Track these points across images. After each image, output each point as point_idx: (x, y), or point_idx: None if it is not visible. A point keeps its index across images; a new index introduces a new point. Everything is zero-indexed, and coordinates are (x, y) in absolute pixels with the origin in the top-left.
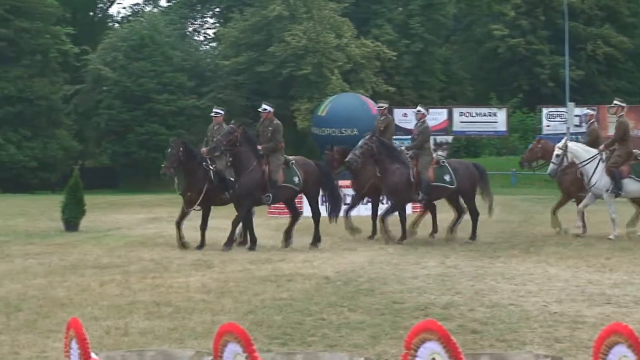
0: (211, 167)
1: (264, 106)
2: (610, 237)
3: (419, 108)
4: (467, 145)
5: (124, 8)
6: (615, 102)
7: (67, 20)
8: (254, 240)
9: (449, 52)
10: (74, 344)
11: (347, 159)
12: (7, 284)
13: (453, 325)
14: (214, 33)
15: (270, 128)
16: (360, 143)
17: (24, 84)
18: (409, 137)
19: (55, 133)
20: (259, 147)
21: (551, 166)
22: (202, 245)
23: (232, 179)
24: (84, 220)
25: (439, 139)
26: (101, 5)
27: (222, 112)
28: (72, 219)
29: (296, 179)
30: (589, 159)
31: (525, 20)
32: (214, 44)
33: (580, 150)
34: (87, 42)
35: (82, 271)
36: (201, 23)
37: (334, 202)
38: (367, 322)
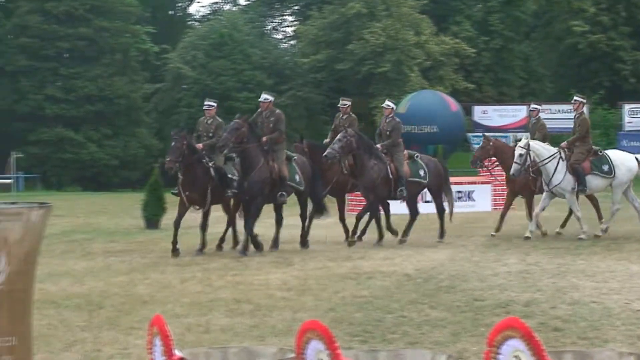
0: (210, 164)
1: (265, 95)
2: (582, 236)
3: (387, 103)
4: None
5: (204, 7)
6: (575, 98)
7: (147, 19)
8: (257, 245)
9: (528, 49)
10: (157, 341)
11: (325, 154)
12: (89, 282)
13: (534, 322)
14: (293, 31)
15: (272, 118)
16: (339, 136)
17: (105, 83)
18: (489, 134)
19: (135, 131)
20: (264, 138)
21: (514, 166)
22: (202, 247)
23: (231, 175)
24: (165, 217)
25: (519, 135)
26: (181, 4)
27: (215, 104)
28: (152, 216)
29: (297, 177)
30: (549, 157)
31: (606, 17)
32: (293, 42)
33: (541, 149)
34: (166, 41)
35: (163, 268)
36: (280, 21)
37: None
38: (447, 320)
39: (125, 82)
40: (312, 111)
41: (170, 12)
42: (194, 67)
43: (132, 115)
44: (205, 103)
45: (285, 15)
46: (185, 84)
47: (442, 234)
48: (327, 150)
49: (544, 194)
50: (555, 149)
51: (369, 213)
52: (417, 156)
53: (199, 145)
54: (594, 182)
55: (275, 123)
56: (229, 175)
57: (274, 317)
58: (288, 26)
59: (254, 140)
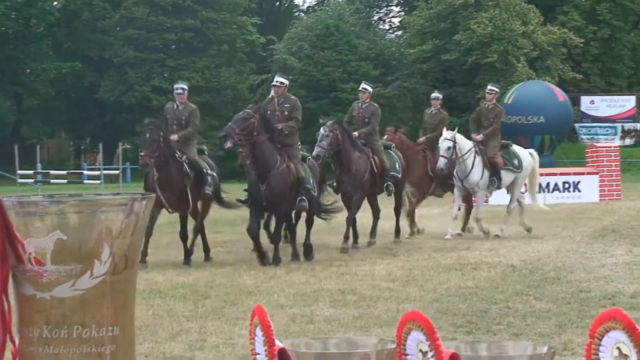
0: (183, 158)
1: (279, 79)
2: (497, 233)
3: (364, 86)
4: None
5: None
6: (491, 87)
7: (254, 10)
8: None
9: (637, 39)
10: (259, 331)
11: (314, 153)
12: (195, 272)
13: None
14: (399, 21)
15: (286, 105)
16: (324, 132)
17: (211, 74)
18: (597, 124)
19: None
20: (279, 126)
21: (441, 160)
22: (188, 257)
23: (206, 170)
24: None
25: (627, 126)
26: None
27: (187, 87)
28: None
29: (311, 182)
30: (467, 151)
31: None
32: (399, 33)
33: (464, 142)
34: (273, 32)
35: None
36: (386, 12)
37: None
38: (553, 311)
39: (231, 73)
40: (418, 102)
41: (276, 3)
42: (300, 58)
43: (239, 106)
44: (176, 86)
45: (392, 5)
46: (291, 75)
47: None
48: (316, 150)
49: (457, 192)
50: (471, 143)
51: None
52: (511, 146)
53: (174, 137)
54: (506, 177)
55: (290, 111)
56: (204, 170)
57: (379, 307)
58: (394, 17)
59: (266, 132)
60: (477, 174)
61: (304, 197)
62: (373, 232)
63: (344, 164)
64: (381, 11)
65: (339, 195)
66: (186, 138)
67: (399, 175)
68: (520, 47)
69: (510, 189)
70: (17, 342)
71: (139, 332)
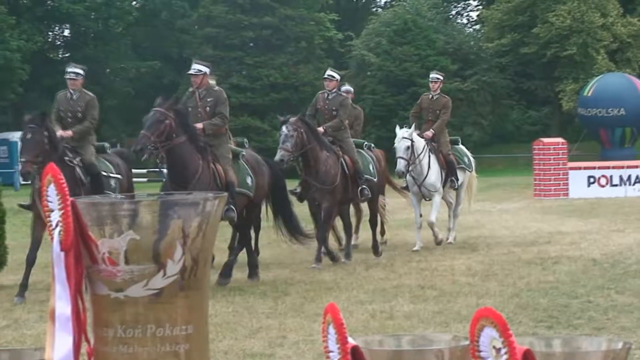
0: (75, 161)
1: (196, 66)
2: (450, 241)
3: (330, 73)
4: None
5: None
6: (434, 75)
7: (331, 6)
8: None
9: None
10: (331, 329)
11: (278, 158)
12: (275, 269)
13: None
14: (477, 15)
15: (209, 99)
16: (287, 131)
17: (289, 71)
18: None
19: None
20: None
21: (401, 162)
22: None
23: (106, 173)
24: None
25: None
26: None
27: (83, 72)
28: None
29: (249, 181)
30: (422, 150)
31: None
32: (477, 27)
33: (419, 141)
34: (350, 28)
35: None
36: (464, 6)
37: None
38: (634, 305)
39: (310, 70)
40: (497, 96)
41: (354, 0)
42: (378, 53)
43: None
44: (69, 70)
45: None
46: (370, 70)
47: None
48: (279, 153)
49: (413, 197)
50: (423, 141)
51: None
52: (458, 142)
53: (68, 133)
54: (460, 177)
55: (214, 105)
56: (104, 173)
57: (459, 303)
58: (472, 11)
59: (185, 132)
60: (435, 174)
61: (231, 206)
62: (347, 251)
63: (310, 165)
64: (459, 5)
65: (305, 203)
66: (83, 134)
67: (375, 179)
68: (599, 39)
69: (458, 190)
70: (92, 342)
71: (219, 329)
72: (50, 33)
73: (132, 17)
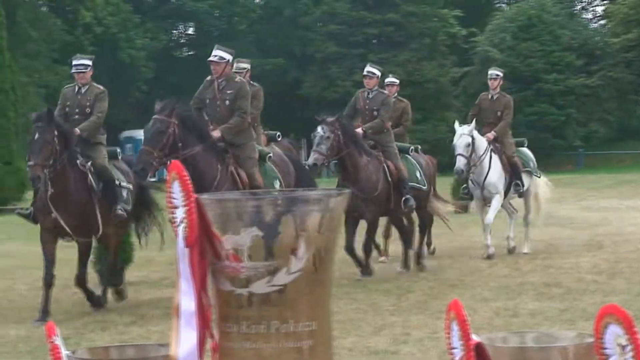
0: (87, 165)
1: (370, 69)
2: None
3: (370, 69)
4: None
5: None
6: (494, 72)
7: (455, 2)
8: None
9: None
10: (455, 326)
11: (310, 161)
12: (397, 266)
13: None
14: (603, 10)
15: (229, 91)
16: (322, 132)
17: (413, 68)
18: None
19: (444, 115)
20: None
21: (460, 160)
22: (97, 301)
23: (119, 182)
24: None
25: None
26: None
27: (91, 63)
28: (463, 200)
29: (277, 185)
30: (484, 151)
31: None
32: (602, 22)
33: (480, 139)
34: (474, 24)
35: (471, 252)
36: (589, 0)
37: None
38: None
39: (433, 67)
40: (623, 92)
41: None
42: (502, 49)
43: (441, 99)
44: (76, 63)
45: None
46: (494, 66)
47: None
48: (312, 156)
49: (477, 204)
50: (486, 140)
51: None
52: (524, 144)
53: (75, 131)
54: (525, 181)
55: (234, 99)
56: (117, 182)
57: (585, 300)
58: (598, 5)
59: (191, 137)
60: (496, 175)
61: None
62: (406, 261)
63: (348, 172)
64: (584, 0)
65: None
66: (90, 130)
67: (424, 187)
68: None
69: (525, 196)
70: (216, 338)
71: (343, 326)
72: (174, 31)
73: (255, 15)
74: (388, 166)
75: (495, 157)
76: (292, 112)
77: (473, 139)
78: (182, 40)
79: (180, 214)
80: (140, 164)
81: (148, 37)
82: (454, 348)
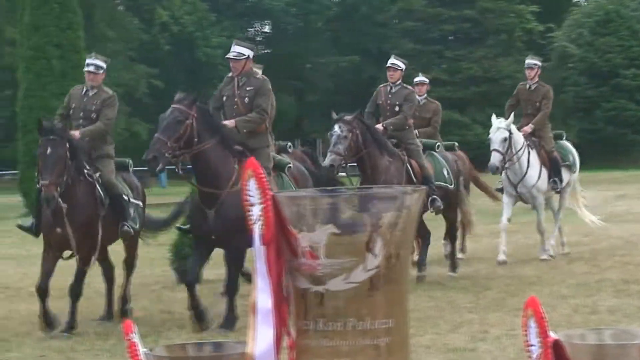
0: (96, 176)
1: (237, 48)
2: (545, 256)
3: (394, 61)
4: None
5: None
6: (531, 61)
7: None
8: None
9: None
10: (532, 323)
11: (327, 162)
12: (476, 263)
13: None
14: None
15: (248, 88)
16: (340, 131)
17: (489, 64)
18: None
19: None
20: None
21: (495, 156)
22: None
23: (127, 197)
24: None
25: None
26: None
27: (105, 65)
28: None
29: None
30: (521, 147)
31: None
32: None
33: (517, 134)
34: (551, 20)
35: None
36: None
37: None
38: None
39: (510, 62)
40: None
41: None
42: (580, 45)
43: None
44: (89, 62)
45: None
46: (571, 62)
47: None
48: (329, 157)
49: (507, 200)
50: (522, 135)
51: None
52: (562, 137)
53: (74, 134)
54: (564, 176)
55: (254, 96)
56: (124, 196)
57: None
58: None
59: (216, 135)
60: (534, 174)
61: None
62: (421, 263)
63: (367, 173)
64: None
65: None
66: (94, 137)
67: (451, 186)
68: None
69: (561, 193)
70: (293, 335)
71: (421, 324)
72: (250, 29)
73: (331, 12)
74: (411, 165)
75: (533, 154)
76: None
77: (510, 133)
78: (258, 38)
79: (256, 211)
80: (152, 152)
81: (224, 36)
82: (531, 345)
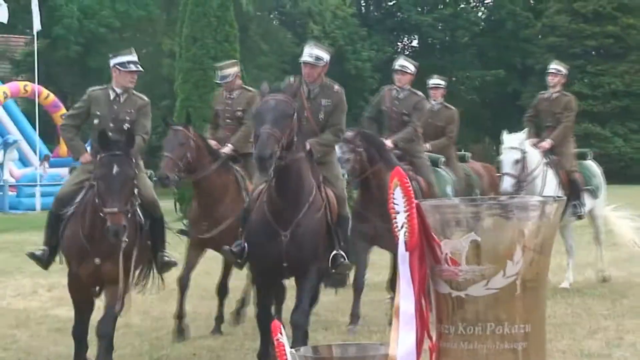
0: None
1: (404, 62)
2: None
3: (402, 62)
4: None
5: None
6: (555, 67)
7: None
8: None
9: None
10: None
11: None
12: (613, 271)
13: None
14: None
15: (325, 102)
16: (342, 154)
17: (631, 79)
18: None
19: None
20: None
21: (507, 180)
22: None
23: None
24: None
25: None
26: None
27: (140, 68)
28: None
29: None
30: (536, 165)
31: None
32: None
33: (532, 152)
34: None
35: None
36: None
37: None
38: None
39: None
40: None
41: None
42: None
43: None
44: (126, 60)
45: None
46: None
47: None
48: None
49: None
50: (539, 152)
51: None
52: (587, 157)
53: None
54: (587, 202)
55: (331, 111)
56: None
57: None
58: None
59: (303, 149)
60: (551, 194)
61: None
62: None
63: (372, 194)
64: None
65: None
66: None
67: None
68: None
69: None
70: (434, 338)
71: (557, 330)
72: (399, 43)
73: (478, 28)
74: (419, 182)
75: (551, 173)
76: (509, 123)
77: (524, 152)
78: (406, 52)
79: (401, 219)
80: (268, 149)
81: (374, 49)
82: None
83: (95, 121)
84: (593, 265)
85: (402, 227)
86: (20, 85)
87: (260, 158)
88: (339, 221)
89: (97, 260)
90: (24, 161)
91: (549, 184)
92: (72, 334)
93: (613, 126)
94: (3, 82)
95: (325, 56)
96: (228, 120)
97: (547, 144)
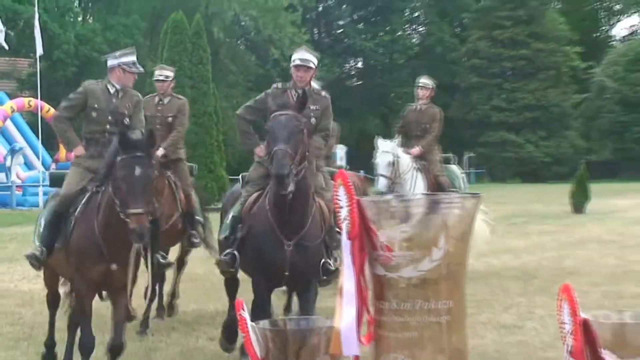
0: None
1: (425, 80)
2: None
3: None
4: None
5: (623, 29)
6: (422, 80)
7: (576, 41)
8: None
9: None
10: (565, 305)
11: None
12: (525, 256)
13: None
14: None
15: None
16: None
17: (541, 95)
18: None
19: (565, 134)
20: (417, 150)
21: (381, 181)
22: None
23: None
24: (589, 204)
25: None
26: (604, 28)
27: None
28: (579, 203)
29: None
30: (408, 169)
31: None
32: None
33: (404, 157)
34: (592, 58)
35: (585, 246)
36: None
37: None
38: None
39: (557, 94)
40: None
41: (595, 35)
42: (615, 79)
43: (564, 120)
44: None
45: None
46: (607, 94)
47: None
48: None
49: None
50: (409, 157)
51: None
52: (450, 161)
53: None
54: None
55: (320, 117)
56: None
57: None
58: None
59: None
60: None
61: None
62: None
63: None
64: None
65: None
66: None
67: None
68: None
69: None
70: (372, 313)
71: (478, 305)
72: (346, 65)
73: (412, 52)
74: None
75: (420, 176)
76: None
77: (396, 156)
78: (352, 73)
79: (344, 212)
80: (285, 168)
81: (324, 70)
82: (564, 323)
83: (93, 114)
84: (508, 251)
85: (344, 219)
86: (25, 101)
87: (279, 176)
88: (329, 231)
89: (113, 266)
90: (28, 165)
91: (418, 186)
92: (45, 343)
93: (526, 134)
94: (10, 98)
95: (316, 60)
96: (158, 127)
97: (417, 150)
